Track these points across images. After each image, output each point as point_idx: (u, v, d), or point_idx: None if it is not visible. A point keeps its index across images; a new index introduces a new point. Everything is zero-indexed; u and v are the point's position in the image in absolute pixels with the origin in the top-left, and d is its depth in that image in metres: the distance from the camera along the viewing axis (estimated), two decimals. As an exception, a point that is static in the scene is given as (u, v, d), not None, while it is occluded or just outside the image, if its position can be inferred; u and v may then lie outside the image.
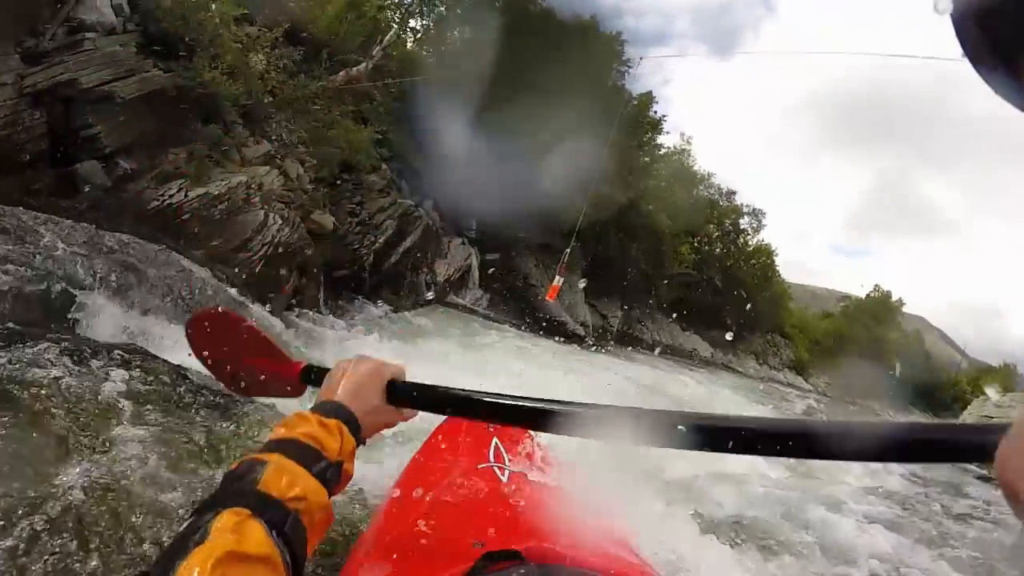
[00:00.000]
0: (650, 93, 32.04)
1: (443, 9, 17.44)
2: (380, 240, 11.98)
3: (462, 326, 12.93)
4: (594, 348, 18.64)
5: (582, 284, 22.80)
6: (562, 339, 17.53)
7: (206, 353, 1.14)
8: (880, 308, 48.93)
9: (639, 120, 30.21)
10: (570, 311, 20.44)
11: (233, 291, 7.34)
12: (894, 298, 49.98)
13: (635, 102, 30.53)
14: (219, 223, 8.20)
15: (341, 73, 14.66)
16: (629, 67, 26.45)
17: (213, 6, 10.31)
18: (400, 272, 12.76)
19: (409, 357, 8.28)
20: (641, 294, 29.31)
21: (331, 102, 13.12)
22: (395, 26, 15.76)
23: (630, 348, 23.43)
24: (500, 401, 0.82)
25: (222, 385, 1.19)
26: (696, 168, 39.78)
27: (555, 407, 0.76)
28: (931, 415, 43.25)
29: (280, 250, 8.13)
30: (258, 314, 6.63)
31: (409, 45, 19.03)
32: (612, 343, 22.67)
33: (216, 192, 8.47)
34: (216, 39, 9.83)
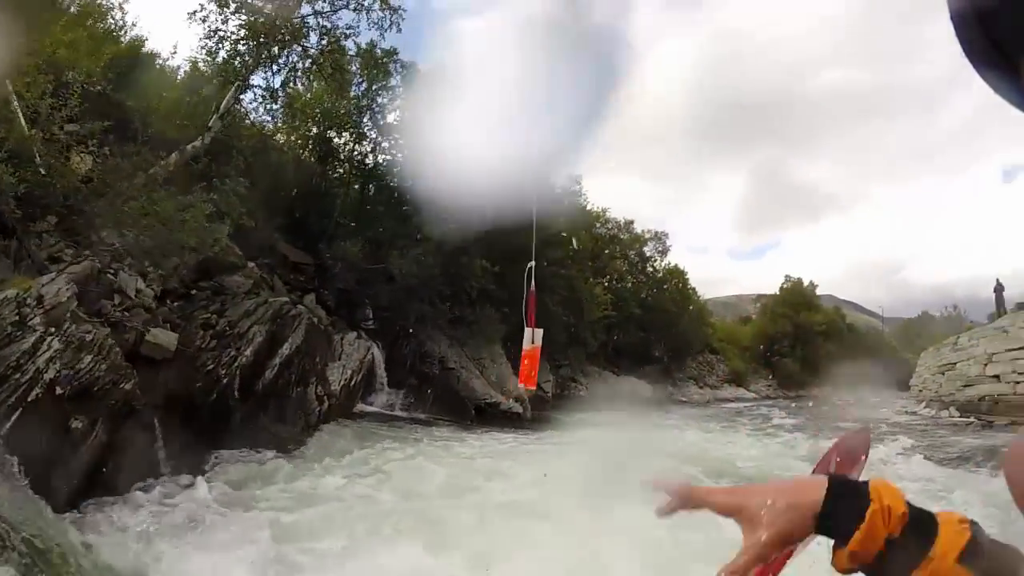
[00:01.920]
0: None
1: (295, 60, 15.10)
2: (247, 352, 9.20)
3: (373, 443, 10.09)
4: (533, 431, 16.19)
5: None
6: (499, 425, 14.98)
7: None
8: (796, 297, 49.25)
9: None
10: (499, 387, 17.89)
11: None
12: (805, 284, 50.59)
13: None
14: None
15: (173, 155, 12.06)
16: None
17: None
18: (282, 390, 9.95)
19: (299, 533, 5.40)
20: (567, 348, 27.68)
21: (167, 193, 10.58)
22: (233, 85, 13.31)
23: (572, 411, 21.18)
24: None
25: None
26: (590, 207, 38.96)
27: None
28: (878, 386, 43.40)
29: (61, 391, 5.31)
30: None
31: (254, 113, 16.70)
32: (552, 412, 20.19)
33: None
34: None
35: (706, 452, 9.96)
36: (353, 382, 12.48)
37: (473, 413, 16.02)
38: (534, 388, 3.31)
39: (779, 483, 0.72)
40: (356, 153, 20.47)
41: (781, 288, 50.73)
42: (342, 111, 18.91)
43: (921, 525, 0.65)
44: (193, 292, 10.48)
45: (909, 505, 0.67)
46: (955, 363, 21.73)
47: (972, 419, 16.70)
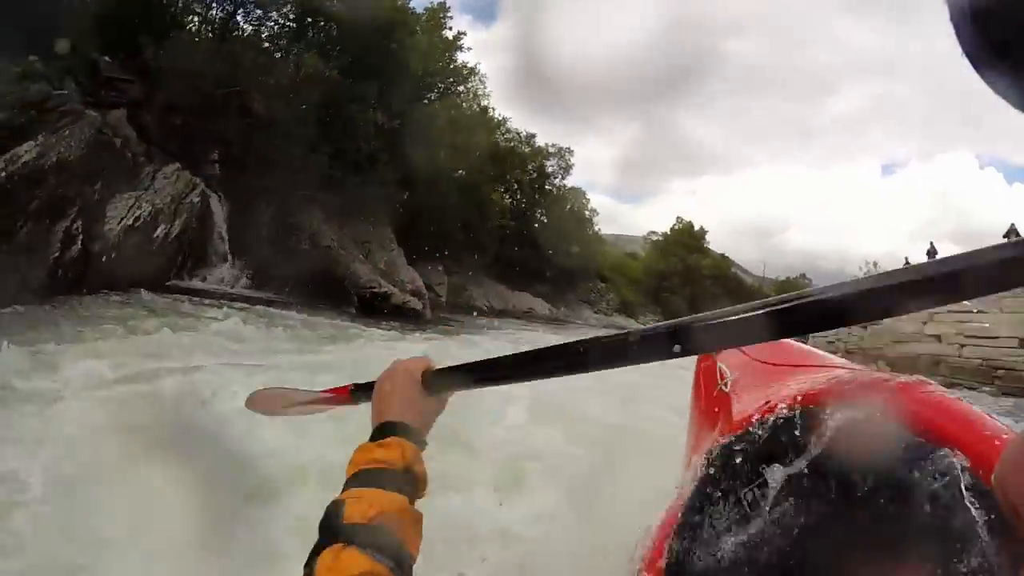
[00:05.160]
0: (443, 4, 25.73)
1: None
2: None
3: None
4: (446, 336, 12.32)
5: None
6: (397, 320, 10.96)
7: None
8: (687, 238, 49.50)
9: (432, 42, 24.46)
10: (390, 277, 13.62)
11: None
12: (696, 228, 50.84)
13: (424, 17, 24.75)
14: None
15: None
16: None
17: None
18: (9, 218, 5.36)
19: None
20: (463, 253, 24.05)
21: None
22: None
23: (472, 317, 17.70)
24: (520, 357, 0.80)
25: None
26: (493, 114, 35.42)
27: (568, 348, 0.74)
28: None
29: None
30: None
31: None
32: (450, 315, 16.36)
33: None
34: None
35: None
36: (160, 232, 7.83)
37: (356, 302, 11.82)
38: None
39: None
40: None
41: (672, 228, 50.68)
42: None
43: None
44: None
45: None
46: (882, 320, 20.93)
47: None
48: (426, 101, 22.28)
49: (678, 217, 52.95)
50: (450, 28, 26.38)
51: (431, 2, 26.16)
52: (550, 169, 39.57)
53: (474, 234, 24.30)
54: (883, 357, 18.57)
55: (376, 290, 12.41)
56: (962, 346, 17.46)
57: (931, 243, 23.13)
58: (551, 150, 39.61)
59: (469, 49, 28.44)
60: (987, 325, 17.07)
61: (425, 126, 17.93)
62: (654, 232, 53.02)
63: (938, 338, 18.15)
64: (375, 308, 11.67)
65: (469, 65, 29.40)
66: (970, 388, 14.89)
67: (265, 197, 12.08)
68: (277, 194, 12.18)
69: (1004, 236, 20.40)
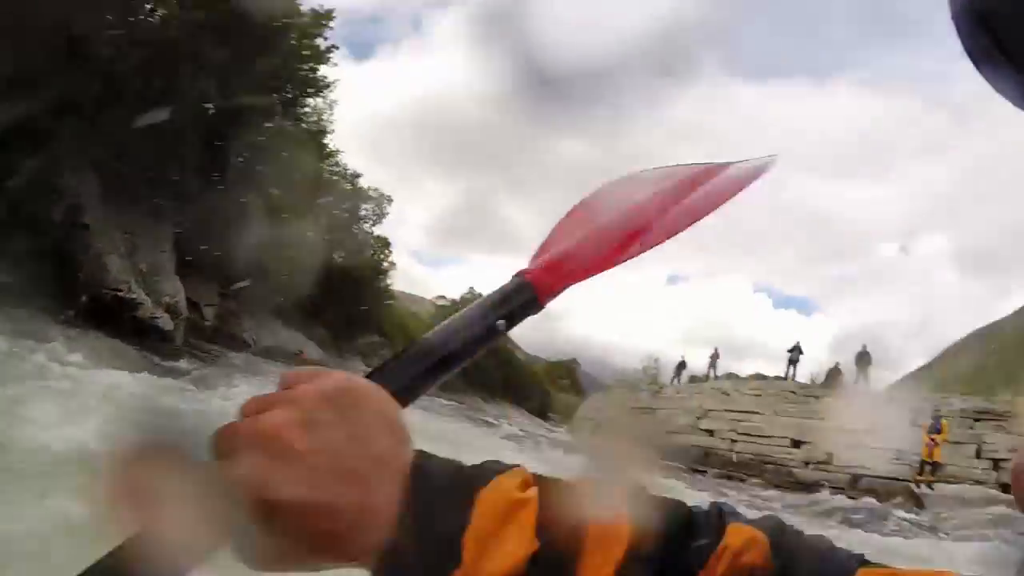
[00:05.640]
0: (329, 13, 24.10)
1: None
2: None
3: None
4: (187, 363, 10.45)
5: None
6: (131, 338, 8.98)
7: None
8: None
9: (303, 45, 22.92)
10: (148, 284, 11.35)
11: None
12: None
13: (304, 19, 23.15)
14: None
15: None
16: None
17: None
18: None
19: None
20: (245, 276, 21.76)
21: None
22: None
23: (228, 351, 15.45)
24: None
25: None
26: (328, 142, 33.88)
27: None
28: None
29: None
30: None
31: None
32: (213, 346, 14.26)
33: None
34: None
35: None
36: None
37: (84, 303, 9.57)
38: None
39: None
40: None
41: (462, 296, 50.62)
42: None
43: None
44: None
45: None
46: (655, 409, 22.45)
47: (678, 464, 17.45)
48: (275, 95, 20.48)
49: (470, 287, 53.61)
50: (325, 38, 24.82)
51: (320, 6, 24.37)
52: (363, 212, 38.57)
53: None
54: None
55: (122, 294, 10.08)
56: (734, 441, 19.71)
57: (715, 348, 26.26)
58: (372, 194, 38.75)
59: (335, 65, 26.89)
60: (761, 425, 19.53)
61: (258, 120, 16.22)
62: (443, 296, 53.39)
63: (711, 432, 20.42)
64: (110, 317, 9.40)
65: (327, 80, 27.81)
66: (740, 480, 17.44)
67: (29, 141, 9.64)
68: (50, 140, 9.77)
69: (788, 351, 22.91)
